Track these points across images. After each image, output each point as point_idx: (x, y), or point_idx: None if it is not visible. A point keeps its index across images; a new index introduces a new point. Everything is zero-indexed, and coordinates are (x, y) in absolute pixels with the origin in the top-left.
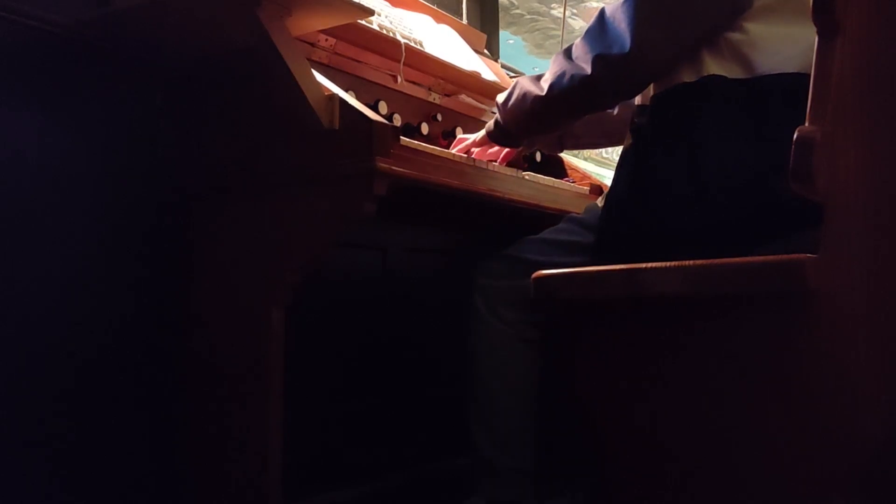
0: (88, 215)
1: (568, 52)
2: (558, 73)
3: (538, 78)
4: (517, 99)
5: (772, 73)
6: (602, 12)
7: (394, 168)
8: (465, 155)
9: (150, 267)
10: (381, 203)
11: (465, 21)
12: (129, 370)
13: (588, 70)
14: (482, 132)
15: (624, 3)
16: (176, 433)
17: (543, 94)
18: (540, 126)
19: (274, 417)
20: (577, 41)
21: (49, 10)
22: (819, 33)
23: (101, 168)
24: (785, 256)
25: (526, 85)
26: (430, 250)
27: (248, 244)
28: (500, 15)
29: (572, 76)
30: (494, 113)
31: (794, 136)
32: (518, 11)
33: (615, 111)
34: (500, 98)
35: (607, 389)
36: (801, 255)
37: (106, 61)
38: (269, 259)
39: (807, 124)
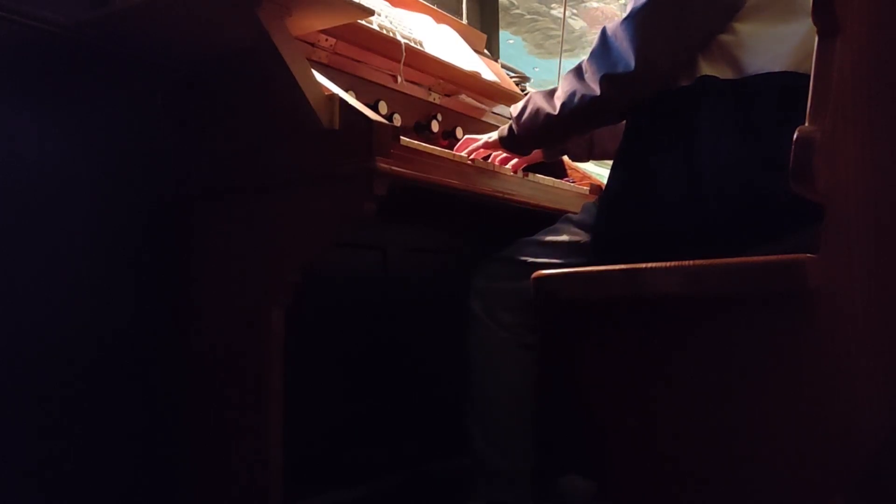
0: (88, 215)
1: (578, 72)
2: (569, 93)
3: (551, 94)
4: (530, 114)
5: (760, 72)
6: (604, 32)
7: (394, 168)
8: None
9: (151, 266)
10: (381, 203)
11: (465, 21)
12: (128, 370)
13: (597, 91)
14: (494, 135)
15: (624, 21)
16: (176, 433)
17: (556, 112)
18: (551, 140)
19: (274, 417)
20: (585, 61)
21: (49, 10)
22: (819, 33)
23: (102, 168)
24: (785, 256)
25: (539, 101)
26: (430, 250)
27: (249, 244)
28: (500, 15)
29: (582, 96)
30: (497, 114)
31: (794, 135)
32: (518, 11)
33: None
34: (514, 110)
35: (608, 389)
36: (801, 255)
37: (106, 61)
38: (269, 259)
39: (807, 124)
